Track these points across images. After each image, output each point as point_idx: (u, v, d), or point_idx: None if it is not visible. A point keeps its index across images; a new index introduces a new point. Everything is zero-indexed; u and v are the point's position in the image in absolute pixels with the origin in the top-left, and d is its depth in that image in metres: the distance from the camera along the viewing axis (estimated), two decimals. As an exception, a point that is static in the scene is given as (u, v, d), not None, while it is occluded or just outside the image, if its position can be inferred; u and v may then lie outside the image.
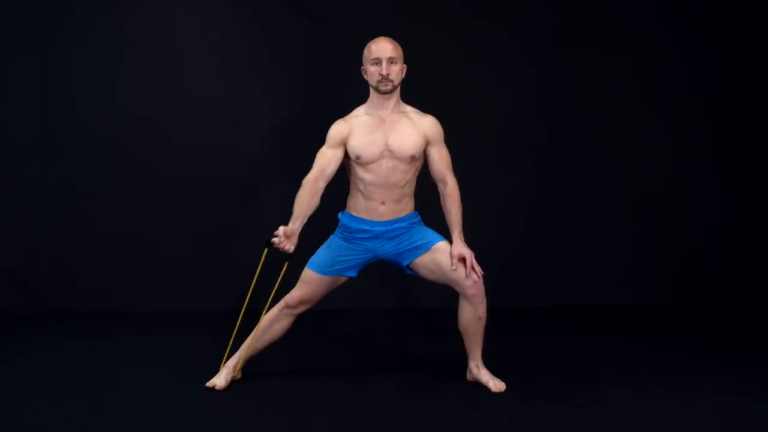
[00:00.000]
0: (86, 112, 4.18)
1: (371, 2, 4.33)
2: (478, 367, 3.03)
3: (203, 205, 4.27)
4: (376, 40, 2.93)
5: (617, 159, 4.59)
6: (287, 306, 3.02)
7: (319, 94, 4.30)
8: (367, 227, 2.96)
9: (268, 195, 4.24)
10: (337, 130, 2.97)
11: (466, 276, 2.87)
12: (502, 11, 4.44)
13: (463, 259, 2.88)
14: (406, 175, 2.95)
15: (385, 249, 2.98)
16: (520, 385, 2.98)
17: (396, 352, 3.56)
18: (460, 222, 2.95)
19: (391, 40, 2.93)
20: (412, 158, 2.93)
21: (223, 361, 3.02)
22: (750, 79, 4.61)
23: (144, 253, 4.25)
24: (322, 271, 2.99)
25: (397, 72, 2.90)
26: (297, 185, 2.93)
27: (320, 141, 2.99)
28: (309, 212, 2.91)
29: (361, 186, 2.95)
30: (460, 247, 2.90)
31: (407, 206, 3.00)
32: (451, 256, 2.89)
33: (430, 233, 2.98)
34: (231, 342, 3.03)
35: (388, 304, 4.41)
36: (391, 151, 2.91)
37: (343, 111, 3.03)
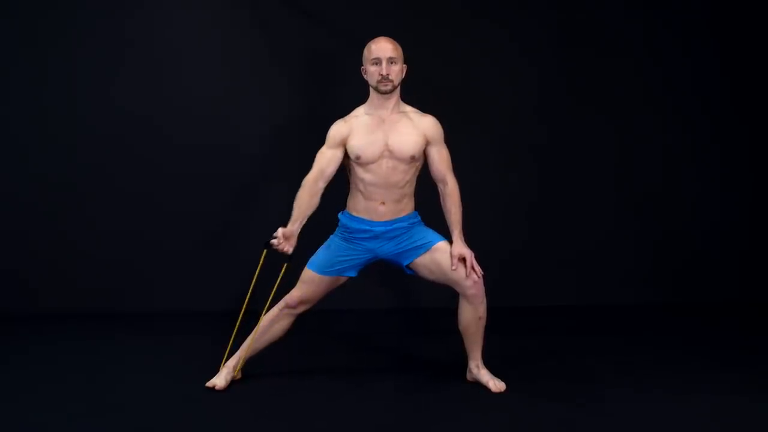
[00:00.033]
0: (86, 112, 4.18)
1: (371, 2, 4.33)
2: (478, 367, 3.03)
3: (203, 205, 4.27)
4: (376, 40, 2.93)
5: (617, 159, 4.59)
6: (287, 306, 3.02)
7: (319, 94, 4.30)
8: (367, 227, 2.96)
9: (268, 195, 4.24)
10: (337, 130, 2.97)
11: (466, 276, 2.87)
12: (502, 11, 4.44)
13: (463, 259, 2.88)
14: (406, 176, 2.95)
15: (385, 249, 2.98)
16: (520, 385, 2.98)
17: (396, 352, 3.56)
18: (460, 222, 2.95)
19: (391, 40, 2.93)
20: (412, 158, 2.93)
21: (223, 361, 3.02)
22: (750, 79, 4.61)
23: (144, 253, 4.25)
24: (322, 271, 2.99)
25: (397, 72, 2.90)
26: (297, 185, 2.93)
27: (320, 141, 2.99)
28: (308, 213, 2.91)
29: (361, 186, 2.95)
30: (460, 247, 2.89)
31: (407, 206, 3.00)
32: (451, 256, 2.89)
33: (430, 233, 2.98)
34: (231, 342, 3.04)
35: (388, 304, 4.41)
36: (390, 152, 2.90)
37: (343, 111, 3.03)
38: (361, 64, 2.96)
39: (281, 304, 3.03)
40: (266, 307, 3.01)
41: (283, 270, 2.89)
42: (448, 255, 2.89)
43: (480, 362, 3.03)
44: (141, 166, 4.22)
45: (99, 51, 4.16)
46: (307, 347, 3.53)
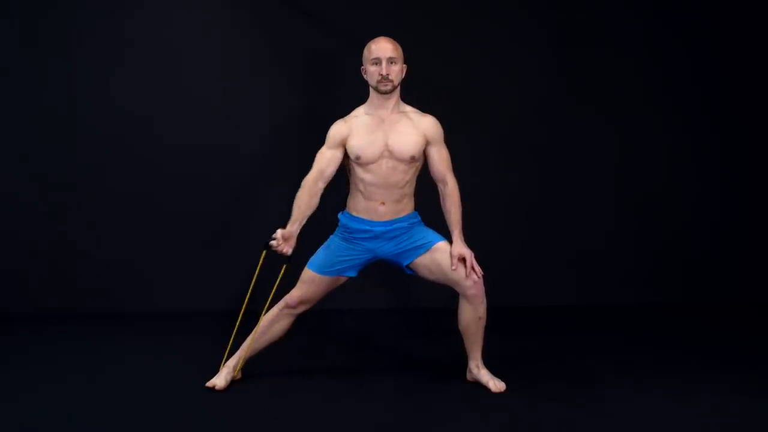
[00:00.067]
0: (86, 112, 4.18)
1: (371, 2, 4.33)
2: (478, 367, 3.03)
3: (203, 205, 4.27)
4: (376, 40, 2.93)
5: (617, 159, 4.59)
6: (287, 306, 3.02)
7: (319, 94, 4.29)
8: (367, 227, 2.96)
9: (268, 195, 4.24)
10: (337, 130, 2.97)
11: (466, 276, 2.87)
12: (502, 11, 4.44)
13: (463, 259, 2.87)
14: (405, 176, 2.95)
15: (385, 249, 2.98)
16: (520, 385, 2.98)
17: (396, 352, 3.55)
18: (460, 222, 2.95)
19: (391, 40, 2.93)
20: (412, 158, 2.92)
21: (223, 361, 3.02)
22: (750, 79, 4.61)
23: (144, 253, 4.25)
24: (322, 271, 2.99)
25: (396, 72, 2.90)
26: (297, 185, 2.93)
27: (320, 141, 2.99)
28: (308, 213, 2.91)
29: (360, 186, 2.95)
30: (460, 247, 2.89)
31: (407, 206, 3.00)
32: (451, 256, 2.89)
33: (430, 233, 2.98)
34: (231, 342, 3.03)
35: (388, 304, 4.41)
36: (390, 152, 2.90)
37: (343, 111, 3.03)
38: (361, 64, 2.96)
39: (281, 304, 3.03)
40: (266, 307, 3.01)
41: (282, 271, 2.89)
42: (448, 255, 2.89)
43: (480, 362, 3.03)
44: (141, 166, 4.22)
45: (99, 51, 4.16)
46: (307, 347, 3.53)
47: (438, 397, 2.92)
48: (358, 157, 2.91)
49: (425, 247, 2.94)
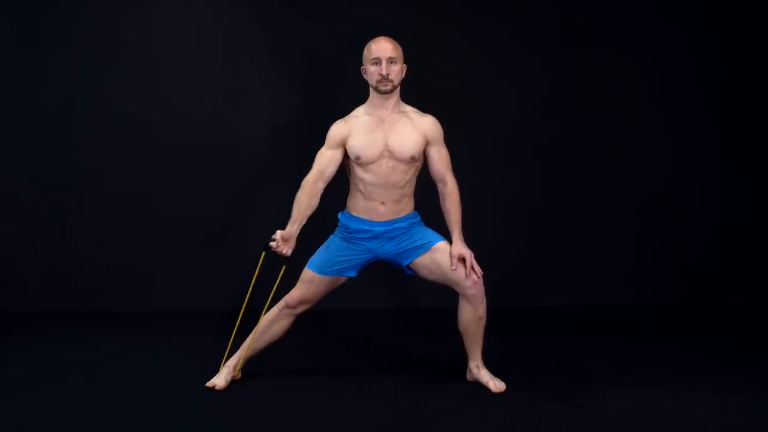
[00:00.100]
0: (86, 112, 4.18)
1: (371, 2, 4.33)
2: (478, 367, 3.03)
3: (203, 205, 4.27)
4: (376, 39, 2.93)
5: (617, 159, 4.59)
6: (287, 306, 3.02)
7: (319, 94, 4.30)
8: (367, 227, 2.96)
9: (268, 195, 4.24)
10: (337, 130, 2.97)
11: (466, 276, 2.87)
12: (502, 11, 4.44)
13: (462, 259, 2.87)
14: (405, 176, 2.95)
15: (385, 249, 2.98)
16: (520, 385, 2.98)
17: (396, 352, 3.55)
18: (460, 222, 2.95)
19: (391, 40, 2.93)
20: (412, 158, 2.92)
21: (223, 361, 3.02)
22: (750, 79, 4.61)
23: (144, 253, 4.25)
24: (322, 271, 2.99)
25: (396, 72, 2.90)
26: (297, 185, 2.93)
27: (320, 141, 2.99)
28: (308, 214, 2.91)
29: (360, 186, 2.95)
30: (460, 247, 2.89)
31: (407, 206, 3.00)
32: (451, 256, 2.89)
33: (429, 233, 2.98)
34: (231, 342, 3.03)
35: (388, 304, 4.41)
36: (390, 152, 2.90)
37: (343, 111, 3.03)
38: (361, 64, 2.96)
39: (281, 304, 3.03)
40: (266, 307, 3.01)
41: (281, 272, 2.89)
42: (447, 255, 2.89)
43: (480, 362, 3.03)
44: (141, 166, 4.22)
45: (99, 51, 4.16)
46: (307, 347, 3.53)
47: (438, 397, 2.92)
48: (358, 157, 2.91)
49: (425, 247, 2.94)
